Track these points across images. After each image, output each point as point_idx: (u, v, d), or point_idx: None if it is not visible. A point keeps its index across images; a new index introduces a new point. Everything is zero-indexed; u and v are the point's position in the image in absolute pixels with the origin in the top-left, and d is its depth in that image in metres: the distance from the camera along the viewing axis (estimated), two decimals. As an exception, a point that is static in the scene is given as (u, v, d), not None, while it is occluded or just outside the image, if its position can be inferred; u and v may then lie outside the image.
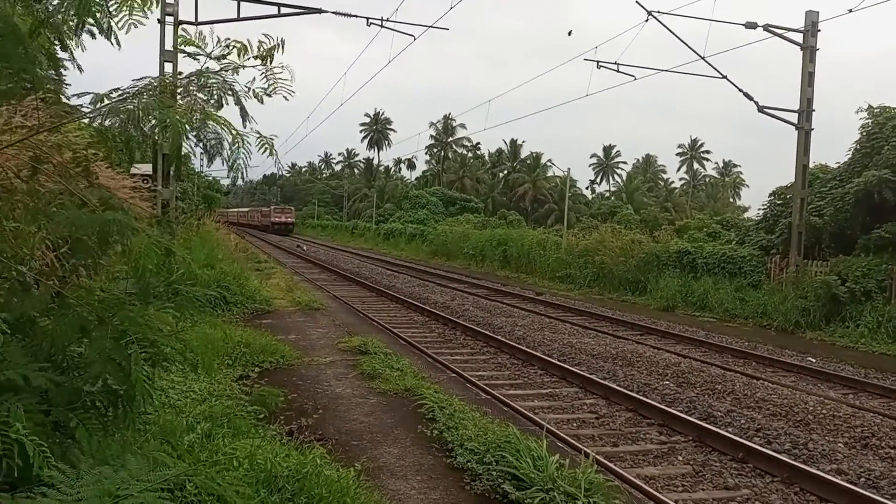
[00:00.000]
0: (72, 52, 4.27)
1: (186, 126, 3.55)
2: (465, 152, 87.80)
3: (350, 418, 6.65)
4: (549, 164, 75.70)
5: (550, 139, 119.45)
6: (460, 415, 6.44)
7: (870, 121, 18.90)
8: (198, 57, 3.87)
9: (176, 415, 5.30)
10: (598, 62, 20.38)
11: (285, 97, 3.88)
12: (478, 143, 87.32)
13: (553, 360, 11.13)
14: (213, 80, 3.67)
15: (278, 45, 3.74)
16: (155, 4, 3.96)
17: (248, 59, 3.76)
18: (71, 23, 3.49)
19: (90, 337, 3.45)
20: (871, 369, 12.17)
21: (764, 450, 6.95)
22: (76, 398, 3.49)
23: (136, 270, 3.49)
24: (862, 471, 6.64)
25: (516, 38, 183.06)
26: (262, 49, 3.72)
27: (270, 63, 3.72)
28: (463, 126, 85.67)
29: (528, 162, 79.29)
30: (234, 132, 3.57)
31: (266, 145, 3.64)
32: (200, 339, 7.01)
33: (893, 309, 15.04)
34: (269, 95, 3.80)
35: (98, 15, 3.53)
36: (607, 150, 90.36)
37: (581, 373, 10.26)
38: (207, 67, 3.76)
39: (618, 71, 20.34)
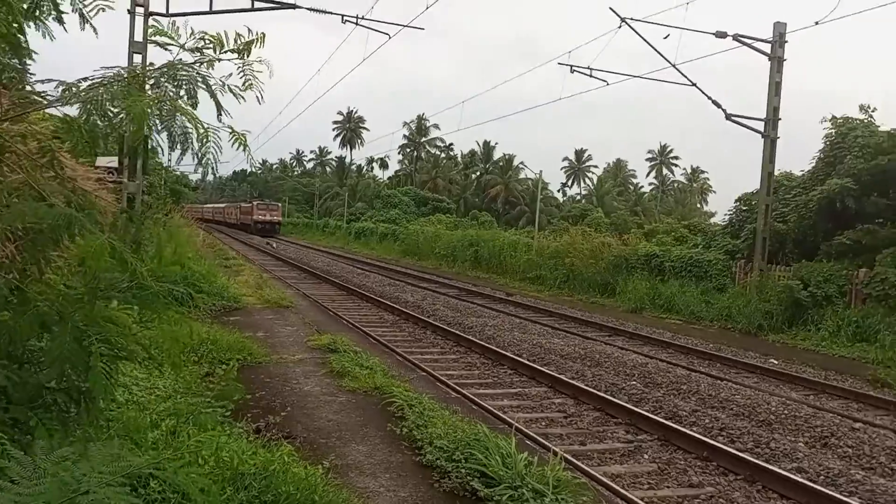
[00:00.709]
0: (26, 38, 4.12)
1: (154, 118, 3.47)
2: (438, 153, 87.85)
3: (318, 416, 6.59)
4: (521, 166, 76.29)
5: (523, 142, 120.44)
6: (430, 413, 6.43)
7: (833, 131, 19.42)
8: (170, 48, 3.78)
9: (140, 412, 5.20)
10: (571, 66, 20.57)
11: (258, 98, 3.80)
12: (451, 144, 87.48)
13: (523, 360, 11.19)
14: (185, 73, 3.58)
15: (258, 38, 3.65)
16: None
17: (225, 52, 3.68)
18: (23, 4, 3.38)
19: (51, 332, 3.36)
20: (832, 371, 12.50)
21: (727, 448, 7.08)
22: (36, 395, 3.40)
23: (84, 271, 3.40)
24: (821, 469, 6.81)
25: (491, 41, 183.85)
26: (239, 42, 3.63)
27: (248, 56, 3.63)
28: (436, 126, 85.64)
29: (501, 164, 79.66)
30: (203, 127, 3.48)
31: (239, 141, 3.57)
32: (165, 335, 6.87)
33: (853, 313, 15.46)
34: (243, 92, 3.72)
35: None
36: (579, 153, 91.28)
37: (550, 372, 10.34)
38: (181, 59, 3.67)
39: (591, 76, 20.57)
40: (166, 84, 3.66)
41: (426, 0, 17.81)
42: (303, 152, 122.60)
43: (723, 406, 9.18)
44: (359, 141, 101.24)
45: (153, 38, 3.91)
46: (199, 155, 3.57)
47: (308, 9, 18.32)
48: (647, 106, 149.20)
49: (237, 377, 5.63)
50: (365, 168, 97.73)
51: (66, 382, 3.41)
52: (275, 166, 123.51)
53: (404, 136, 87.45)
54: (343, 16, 18.69)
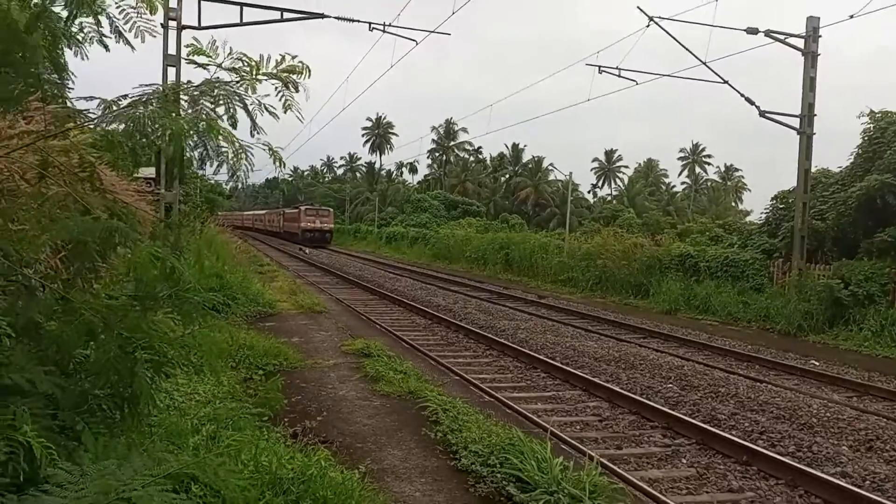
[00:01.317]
0: (63, 54, 4.27)
1: (191, 134, 3.56)
2: (466, 156, 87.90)
3: (354, 420, 6.65)
4: (550, 168, 75.80)
5: (552, 143, 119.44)
6: (464, 417, 6.44)
7: (871, 125, 18.92)
8: (207, 67, 3.88)
9: (181, 417, 5.31)
10: (599, 67, 20.42)
11: (299, 119, 3.90)
12: (479, 148, 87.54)
13: (556, 363, 11.12)
14: (222, 91, 3.67)
15: (305, 70, 3.70)
16: (157, 9, 3.98)
17: (262, 74, 3.76)
18: (62, 19, 3.49)
19: (97, 341, 3.47)
20: (875, 372, 12.16)
21: (768, 452, 6.94)
22: (83, 402, 3.50)
23: (135, 280, 3.51)
24: (867, 473, 6.63)
25: (518, 44, 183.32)
26: (279, 66, 3.69)
27: (296, 90, 3.70)
28: (465, 130, 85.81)
29: (530, 166, 79.37)
30: (238, 144, 3.57)
31: (276, 157, 3.66)
32: (205, 342, 7.01)
33: (896, 312, 15.02)
34: (283, 114, 3.81)
35: (97, 14, 3.54)
36: (609, 154, 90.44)
37: (584, 376, 10.26)
38: (218, 77, 3.76)
39: (619, 76, 20.38)
40: (203, 102, 3.76)
41: (452, 5, 17.90)
42: (333, 158, 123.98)
43: (762, 409, 9.00)
44: (388, 146, 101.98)
45: (191, 56, 4.01)
46: (233, 168, 3.67)
47: (336, 17, 18.60)
48: (679, 105, 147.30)
49: (277, 386, 5.72)
50: (395, 173, 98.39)
51: (111, 389, 3.51)
52: (306, 173, 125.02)
53: (433, 140, 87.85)
54: (370, 23, 18.88)
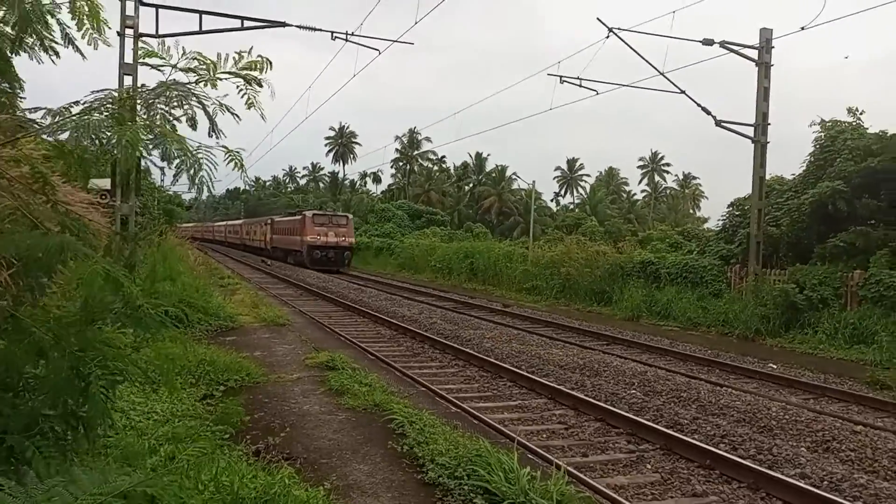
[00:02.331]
0: (11, 65, 4.12)
1: (146, 142, 3.45)
2: (430, 165, 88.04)
3: (318, 436, 6.53)
4: (514, 177, 76.54)
5: (515, 152, 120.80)
6: (430, 429, 6.38)
7: (822, 134, 19.58)
8: (163, 69, 3.77)
9: (138, 437, 5.15)
10: (560, 77, 20.70)
11: (262, 117, 3.79)
12: (443, 157, 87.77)
13: (522, 372, 11.15)
14: (178, 93, 3.56)
15: (266, 63, 3.61)
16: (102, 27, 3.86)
17: (222, 73, 3.66)
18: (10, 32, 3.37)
19: (47, 358, 3.33)
20: (830, 374, 12.51)
21: (730, 456, 7.05)
22: (33, 423, 3.35)
23: (83, 296, 3.38)
24: (825, 474, 6.78)
25: (482, 53, 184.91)
26: (238, 62, 3.59)
27: (259, 87, 3.59)
28: (428, 139, 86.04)
29: (494, 175, 79.89)
30: (192, 151, 3.43)
31: (235, 160, 3.55)
32: (160, 355, 6.82)
33: (849, 315, 15.50)
34: (246, 110, 3.71)
35: (39, 27, 3.42)
36: (571, 162, 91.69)
37: (550, 384, 10.29)
38: (174, 80, 3.65)
39: (580, 86, 20.69)
40: (159, 105, 3.65)
41: (415, 15, 17.93)
42: (295, 169, 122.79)
43: (723, 413, 9.16)
44: (351, 156, 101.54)
45: (144, 59, 3.90)
46: (192, 176, 3.54)
47: (298, 26, 18.44)
48: (639, 114, 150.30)
49: (237, 403, 5.60)
50: (358, 183, 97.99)
51: (63, 409, 3.37)
52: (268, 183, 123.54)
53: (396, 149, 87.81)
54: (333, 32, 18.82)
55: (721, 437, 8.04)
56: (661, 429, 8.01)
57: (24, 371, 3.46)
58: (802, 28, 16.22)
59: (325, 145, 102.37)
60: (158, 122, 3.57)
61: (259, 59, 3.59)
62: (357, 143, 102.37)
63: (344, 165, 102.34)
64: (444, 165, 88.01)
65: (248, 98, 3.58)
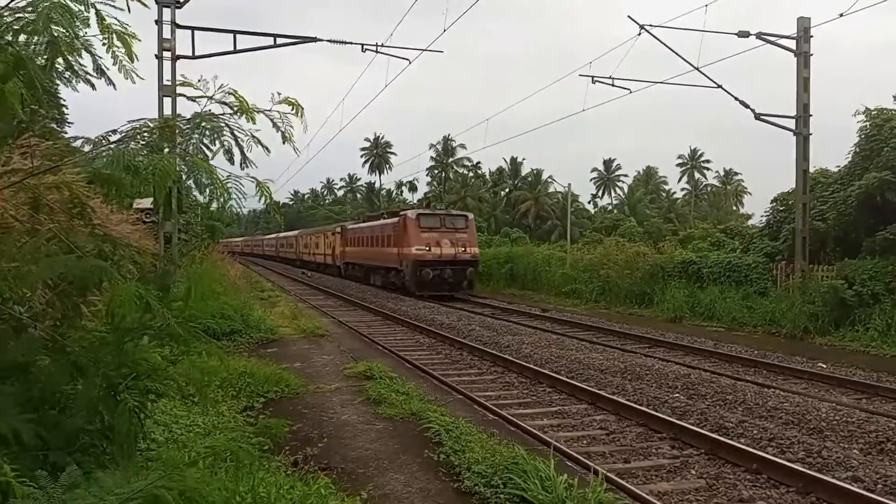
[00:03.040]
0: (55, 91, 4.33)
1: (179, 171, 3.61)
2: (465, 172, 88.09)
3: (356, 445, 6.58)
4: (550, 180, 75.86)
5: (550, 155, 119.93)
6: (467, 437, 6.36)
7: (867, 123, 18.90)
8: (198, 100, 3.92)
9: (179, 450, 5.25)
10: (592, 77, 20.50)
11: (295, 151, 4.04)
12: (478, 163, 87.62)
13: (561, 377, 11.03)
14: (210, 125, 3.71)
15: (299, 108, 3.83)
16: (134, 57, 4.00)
17: (255, 109, 3.82)
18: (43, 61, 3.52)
19: (85, 376, 3.44)
20: (883, 373, 12.03)
21: (778, 460, 6.84)
22: (74, 438, 3.46)
23: (112, 318, 3.49)
24: (878, 477, 6.52)
25: (512, 58, 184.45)
26: (273, 104, 3.80)
27: (292, 139, 3.83)
28: (463, 146, 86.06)
29: (529, 179, 79.45)
30: (221, 181, 3.62)
31: (263, 192, 3.69)
32: (195, 369, 6.94)
33: (903, 310, 14.90)
34: (281, 145, 3.91)
35: (73, 56, 3.57)
36: (607, 163, 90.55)
37: (590, 389, 10.16)
38: (209, 110, 3.81)
39: (613, 85, 20.45)
40: (193, 135, 3.79)
41: (444, 23, 18.03)
42: (333, 180, 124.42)
43: (771, 415, 8.89)
44: (387, 166, 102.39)
45: (181, 87, 4.06)
46: (222, 203, 3.70)
47: (329, 41, 18.76)
48: (675, 111, 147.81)
49: (280, 420, 5.69)
50: (395, 192, 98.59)
51: (101, 424, 3.47)
52: (306, 196, 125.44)
53: (431, 157, 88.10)
54: (363, 45, 19.05)
55: (768, 440, 7.80)
56: (706, 433, 7.81)
57: (64, 389, 3.57)
58: (841, 15, 15.73)
59: (361, 156, 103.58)
60: (191, 152, 3.72)
61: (293, 100, 3.82)
62: (392, 152, 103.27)
63: (380, 175, 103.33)
64: (479, 171, 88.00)
65: (284, 132, 3.79)
